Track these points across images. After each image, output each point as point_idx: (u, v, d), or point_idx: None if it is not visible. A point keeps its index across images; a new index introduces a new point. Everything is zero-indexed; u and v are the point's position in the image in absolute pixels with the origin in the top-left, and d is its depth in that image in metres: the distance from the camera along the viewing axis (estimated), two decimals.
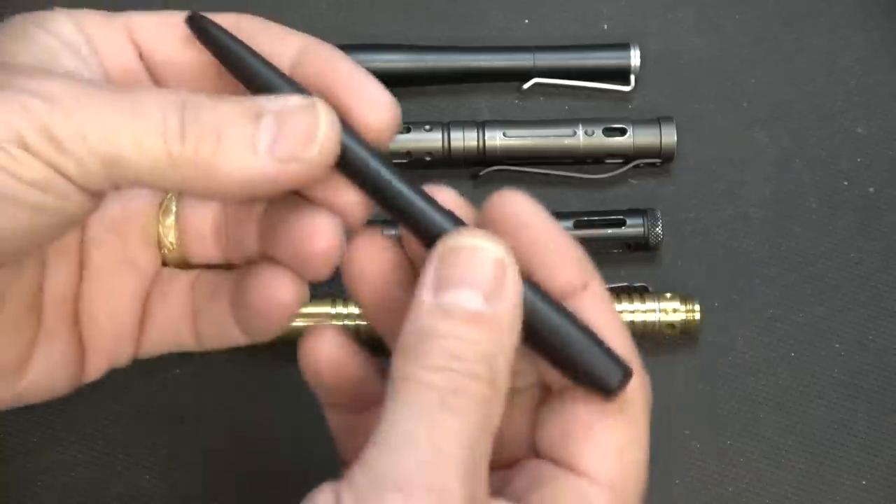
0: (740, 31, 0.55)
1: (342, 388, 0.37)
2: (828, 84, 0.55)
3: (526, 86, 0.54)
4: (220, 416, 0.50)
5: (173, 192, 0.37)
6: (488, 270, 0.32)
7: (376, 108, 0.35)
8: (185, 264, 0.40)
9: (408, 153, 0.52)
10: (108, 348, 0.39)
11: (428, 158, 0.52)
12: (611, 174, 0.53)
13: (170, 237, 0.39)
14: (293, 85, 0.35)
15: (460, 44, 0.54)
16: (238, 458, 0.49)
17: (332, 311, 0.49)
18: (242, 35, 0.36)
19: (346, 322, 0.49)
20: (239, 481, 0.49)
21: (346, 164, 0.34)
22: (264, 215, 0.38)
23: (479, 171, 0.53)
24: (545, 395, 0.35)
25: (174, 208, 0.39)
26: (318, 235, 0.36)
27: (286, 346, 0.50)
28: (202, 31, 0.35)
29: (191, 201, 0.39)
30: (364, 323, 0.49)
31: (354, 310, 0.49)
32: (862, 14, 0.55)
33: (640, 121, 0.53)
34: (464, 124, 0.52)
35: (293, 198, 0.36)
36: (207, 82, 0.36)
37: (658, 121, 0.53)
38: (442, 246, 0.33)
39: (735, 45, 0.55)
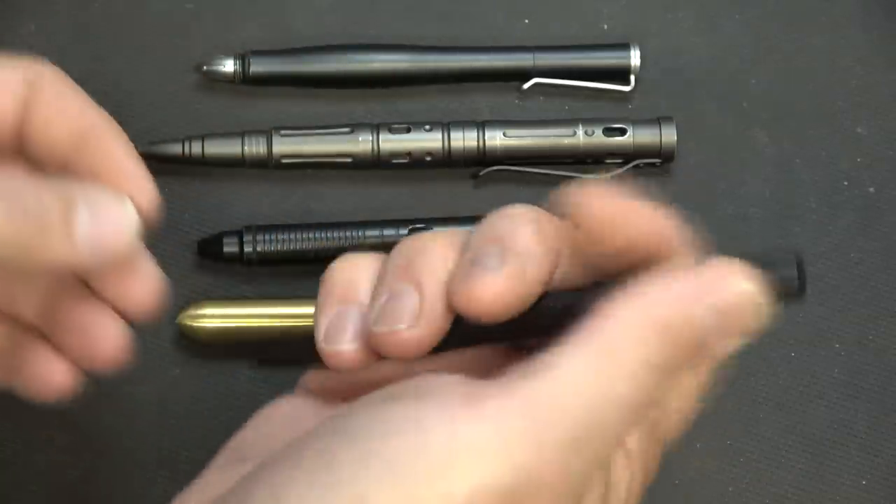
0: (740, 31, 0.55)
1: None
2: (828, 84, 0.55)
3: (526, 86, 0.54)
4: (219, 417, 0.50)
5: None
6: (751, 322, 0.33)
7: (143, 200, 0.37)
8: None
9: (408, 153, 0.52)
10: None
11: (428, 158, 0.52)
12: (611, 174, 0.53)
13: None
14: None
15: (460, 44, 0.54)
16: None
17: None
18: (34, 94, 0.37)
19: None
20: None
21: None
22: (50, 293, 0.38)
23: (479, 171, 0.53)
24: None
25: None
26: (105, 338, 0.37)
27: (285, 347, 0.51)
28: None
29: None
30: None
31: None
32: (862, 14, 0.55)
33: (640, 121, 0.53)
34: (464, 124, 0.52)
35: (80, 289, 0.37)
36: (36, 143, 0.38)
37: (658, 121, 0.53)
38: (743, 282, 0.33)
39: (735, 45, 0.55)
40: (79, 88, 0.39)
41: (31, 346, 0.39)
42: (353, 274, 0.36)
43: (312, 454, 0.30)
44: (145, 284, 0.38)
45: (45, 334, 0.39)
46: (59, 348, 0.38)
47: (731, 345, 0.32)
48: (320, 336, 0.35)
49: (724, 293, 0.32)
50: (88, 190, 0.36)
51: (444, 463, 0.29)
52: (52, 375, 0.38)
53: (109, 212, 0.35)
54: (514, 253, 0.33)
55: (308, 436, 0.32)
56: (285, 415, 0.38)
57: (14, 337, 0.39)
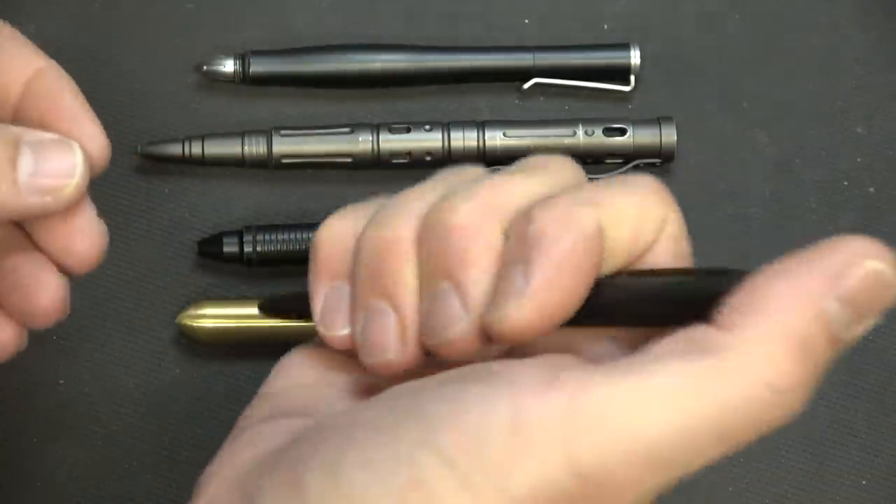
0: (740, 31, 0.55)
1: None
2: (828, 84, 0.55)
3: (526, 86, 0.54)
4: (219, 416, 0.50)
5: None
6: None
7: (91, 145, 0.37)
8: None
9: (408, 153, 0.52)
10: None
11: (428, 158, 0.52)
12: (611, 174, 0.53)
13: None
14: None
15: (460, 44, 0.54)
16: None
17: None
18: None
19: None
20: None
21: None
22: None
23: None
24: None
25: None
26: (43, 292, 0.37)
27: (286, 347, 0.51)
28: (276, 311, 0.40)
29: None
30: None
31: None
32: (862, 14, 0.55)
33: (640, 121, 0.53)
34: (464, 124, 0.52)
35: (22, 241, 0.37)
36: None
37: (658, 121, 0.53)
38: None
39: (735, 45, 0.55)
40: (26, 38, 0.39)
41: None
42: (341, 244, 0.35)
43: (372, 429, 0.29)
44: (87, 237, 0.37)
45: None
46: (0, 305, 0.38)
47: (862, 331, 0.29)
48: (317, 317, 0.35)
49: (851, 279, 0.28)
50: (33, 134, 0.35)
51: (504, 456, 0.27)
52: None
53: (54, 155, 0.35)
54: (469, 297, 0.31)
55: (366, 408, 0.31)
56: (315, 363, 0.37)
57: None
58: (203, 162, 0.51)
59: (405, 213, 0.34)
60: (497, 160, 0.52)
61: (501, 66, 0.54)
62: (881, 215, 0.53)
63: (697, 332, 0.29)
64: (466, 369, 0.31)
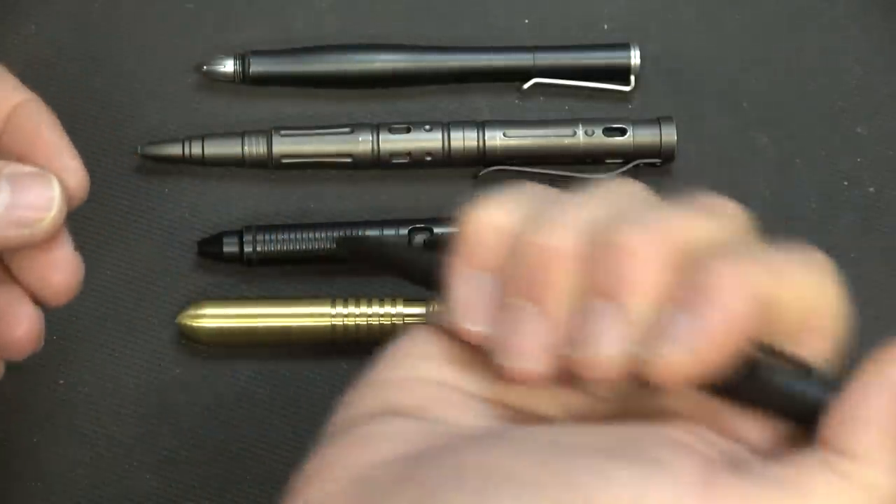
0: (740, 31, 0.55)
1: None
2: (828, 84, 0.55)
3: (526, 86, 0.54)
4: (219, 416, 0.50)
5: None
6: None
7: (69, 178, 0.37)
8: None
9: (408, 153, 0.52)
10: None
11: (428, 158, 0.52)
12: (611, 174, 0.53)
13: None
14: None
15: (460, 44, 0.54)
16: (238, 459, 0.49)
17: (333, 311, 0.49)
18: None
19: (346, 321, 0.49)
20: (239, 481, 0.49)
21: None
22: None
23: (479, 172, 0.53)
24: None
25: None
26: (19, 324, 0.37)
27: (287, 348, 0.51)
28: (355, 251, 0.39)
29: None
30: (364, 322, 0.49)
31: (355, 309, 0.49)
32: (862, 14, 0.55)
33: (640, 121, 0.53)
34: (464, 124, 0.52)
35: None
36: None
37: (658, 121, 0.53)
38: None
39: (735, 45, 0.55)
40: (7, 71, 0.39)
41: None
42: (495, 236, 0.33)
43: (519, 484, 0.28)
44: (64, 269, 0.37)
45: None
46: None
47: None
48: (452, 304, 0.33)
49: None
50: (11, 166, 0.36)
51: None
52: None
53: (32, 188, 0.36)
54: (628, 319, 0.31)
55: (508, 455, 0.30)
56: (436, 355, 0.34)
57: None
58: (203, 162, 0.51)
59: (570, 222, 0.32)
60: (497, 160, 0.52)
61: (501, 66, 0.54)
62: (881, 215, 0.53)
63: (829, 456, 0.30)
64: (614, 439, 0.30)
